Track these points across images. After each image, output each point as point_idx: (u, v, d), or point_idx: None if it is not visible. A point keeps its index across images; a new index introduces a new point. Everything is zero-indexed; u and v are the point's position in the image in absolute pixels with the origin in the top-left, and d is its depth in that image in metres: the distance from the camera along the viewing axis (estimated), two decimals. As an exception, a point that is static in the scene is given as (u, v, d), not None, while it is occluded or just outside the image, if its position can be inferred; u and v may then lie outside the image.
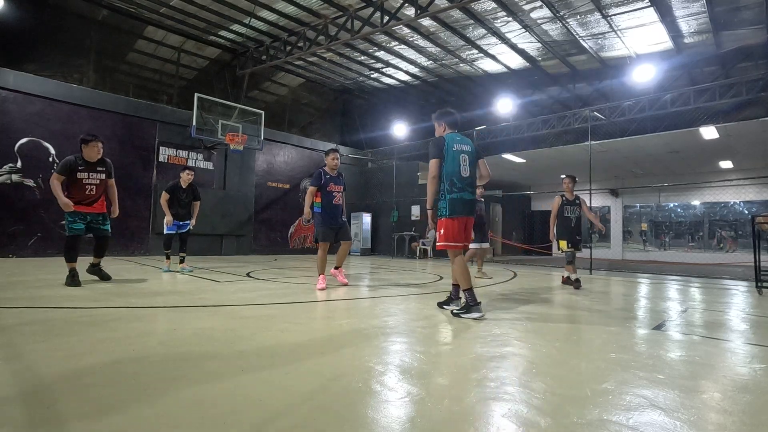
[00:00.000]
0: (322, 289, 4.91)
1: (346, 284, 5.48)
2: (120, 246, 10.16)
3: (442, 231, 3.56)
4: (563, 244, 6.10)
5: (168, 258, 6.73)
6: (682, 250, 16.37)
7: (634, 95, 11.31)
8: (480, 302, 3.48)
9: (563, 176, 6.28)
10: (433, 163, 3.52)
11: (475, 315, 3.38)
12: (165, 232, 6.67)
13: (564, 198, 6.16)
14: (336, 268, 5.60)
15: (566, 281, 6.16)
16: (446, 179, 3.51)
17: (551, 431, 1.45)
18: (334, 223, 5.30)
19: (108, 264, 7.11)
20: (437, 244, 3.65)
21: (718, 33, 9.87)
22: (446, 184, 3.52)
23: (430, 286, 5.84)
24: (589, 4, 9.03)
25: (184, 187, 6.75)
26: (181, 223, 6.76)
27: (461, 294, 3.55)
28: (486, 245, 7.50)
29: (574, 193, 6.21)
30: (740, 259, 13.10)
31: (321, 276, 5.13)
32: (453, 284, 3.76)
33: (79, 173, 4.76)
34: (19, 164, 9.00)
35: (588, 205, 6.37)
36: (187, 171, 6.83)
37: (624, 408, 1.65)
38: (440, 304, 3.87)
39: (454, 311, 3.53)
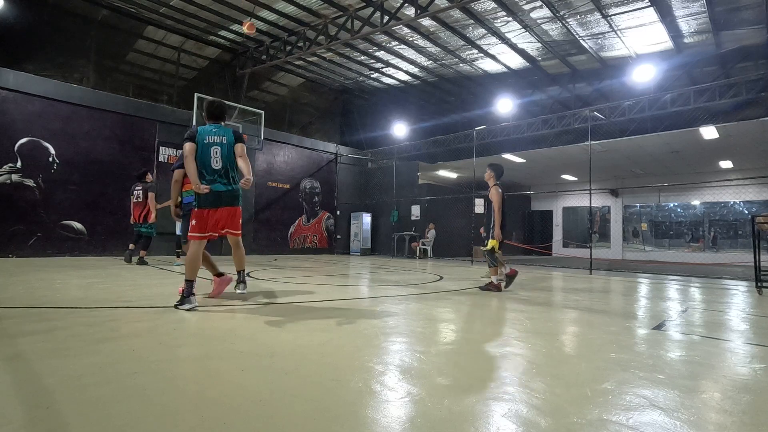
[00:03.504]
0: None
1: (214, 296, 4.08)
2: (120, 246, 10.15)
3: (194, 221, 3.63)
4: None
5: (178, 256, 7.87)
6: (669, 249, 16.47)
7: (634, 95, 11.31)
8: (194, 294, 3.50)
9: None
10: (186, 146, 3.55)
11: (187, 306, 3.40)
12: (177, 233, 7.68)
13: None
14: (220, 275, 4.23)
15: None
16: (198, 172, 3.56)
17: (551, 431, 1.45)
18: None
19: (108, 264, 7.12)
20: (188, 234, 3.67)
21: (718, 33, 9.87)
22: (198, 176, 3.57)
23: (430, 286, 5.84)
24: (589, 4, 9.03)
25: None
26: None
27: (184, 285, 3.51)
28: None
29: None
30: (740, 259, 13.10)
31: (214, 278, 4.26)
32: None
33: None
34: (19, 164, 9.00)
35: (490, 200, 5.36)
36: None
37: (624, 408, 1.65)
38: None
39: (176, 304, 3.46)
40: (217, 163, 3.58)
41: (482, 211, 15.48)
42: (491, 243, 5.30)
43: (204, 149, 3.56)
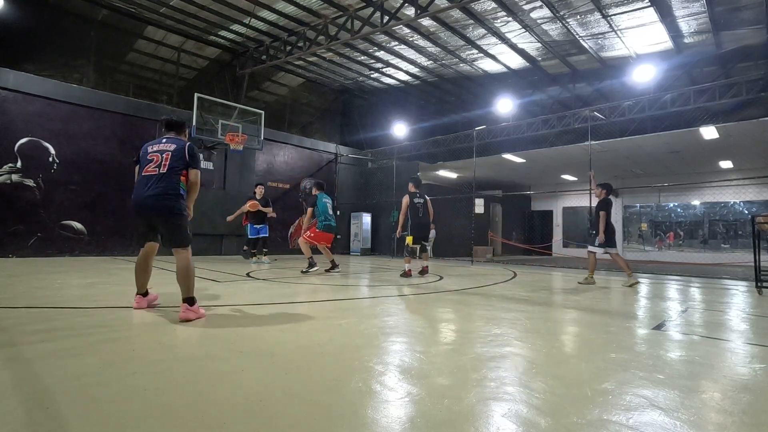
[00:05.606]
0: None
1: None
2: (120, 246, 10.17)
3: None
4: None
5: (264, 254, 9.49)
6: (669, 249, 16.60)
7: (634, 95, 11.31)
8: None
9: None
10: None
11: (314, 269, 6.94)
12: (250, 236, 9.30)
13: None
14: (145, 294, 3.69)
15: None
16: (324, 214, 7.35)
17: (551, 431, 1.45)
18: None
19: (108, 264, 7.12)
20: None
21: (718, 33, 9.87)
22: None
23: (430, 286, 5.84)
24: (589, 4, 9.03)
25: (258, 198, 9.11)
26: (258, 227, 9.14)
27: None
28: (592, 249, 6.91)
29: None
30: (740, 259, 13.10)
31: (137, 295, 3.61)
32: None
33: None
34: (19, 164, 9.00)
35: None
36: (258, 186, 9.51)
37: (624, 408, 1.65)
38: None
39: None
40: (330, 211, 7.15)
41: (482, 212, 15.47)
42: (407, 239, 7.16)
43: (324, 204, 7.12)
